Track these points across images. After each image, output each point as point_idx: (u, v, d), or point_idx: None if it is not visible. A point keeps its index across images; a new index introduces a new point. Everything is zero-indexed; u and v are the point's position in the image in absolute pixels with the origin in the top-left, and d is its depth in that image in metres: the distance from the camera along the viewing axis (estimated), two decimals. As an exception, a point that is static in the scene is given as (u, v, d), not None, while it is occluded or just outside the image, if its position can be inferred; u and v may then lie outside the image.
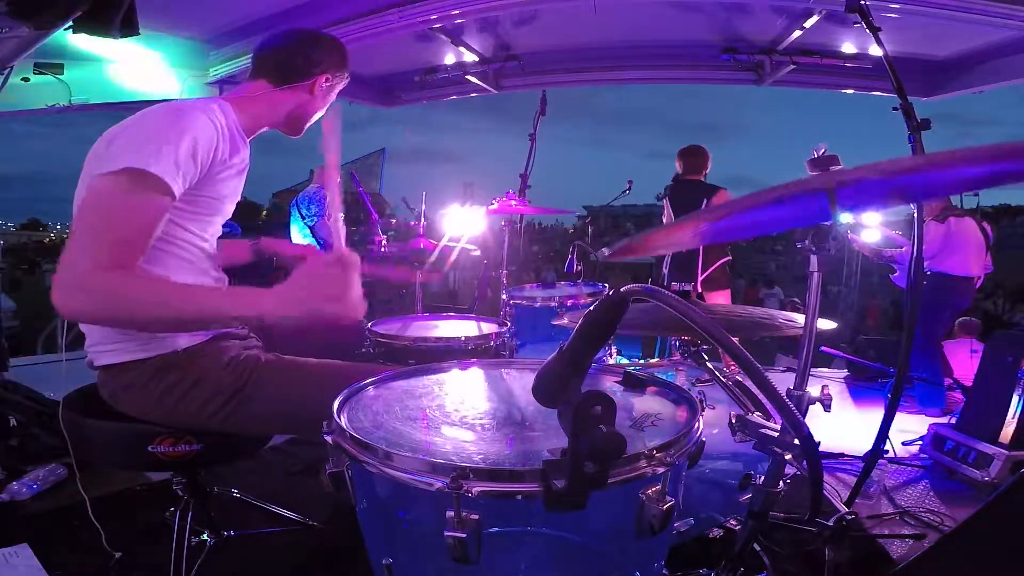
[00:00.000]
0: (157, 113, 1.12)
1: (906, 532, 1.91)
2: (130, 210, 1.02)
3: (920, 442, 2.66)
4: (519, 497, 0.68)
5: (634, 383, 1.02)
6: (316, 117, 1.41)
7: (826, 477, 2.30)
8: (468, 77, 4.32)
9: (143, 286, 1.00)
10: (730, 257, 3.86)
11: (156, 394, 1.17)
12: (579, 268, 3.20)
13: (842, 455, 2.47)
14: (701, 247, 3.69)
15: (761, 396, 1.27)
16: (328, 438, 0.81)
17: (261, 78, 1.32)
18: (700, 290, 3.75)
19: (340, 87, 1.41)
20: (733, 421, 1.04)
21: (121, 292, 0.96)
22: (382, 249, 4.14)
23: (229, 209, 1.29)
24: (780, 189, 0.77)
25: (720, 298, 3.82)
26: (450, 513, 0.66)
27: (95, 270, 0.95)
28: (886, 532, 1.93)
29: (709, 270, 3.75)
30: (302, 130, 1.40)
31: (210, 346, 1.22)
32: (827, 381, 1.85)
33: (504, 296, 2.50)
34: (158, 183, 1.03)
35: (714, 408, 1.42)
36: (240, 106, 1.26)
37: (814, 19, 3.27)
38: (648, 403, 0.97)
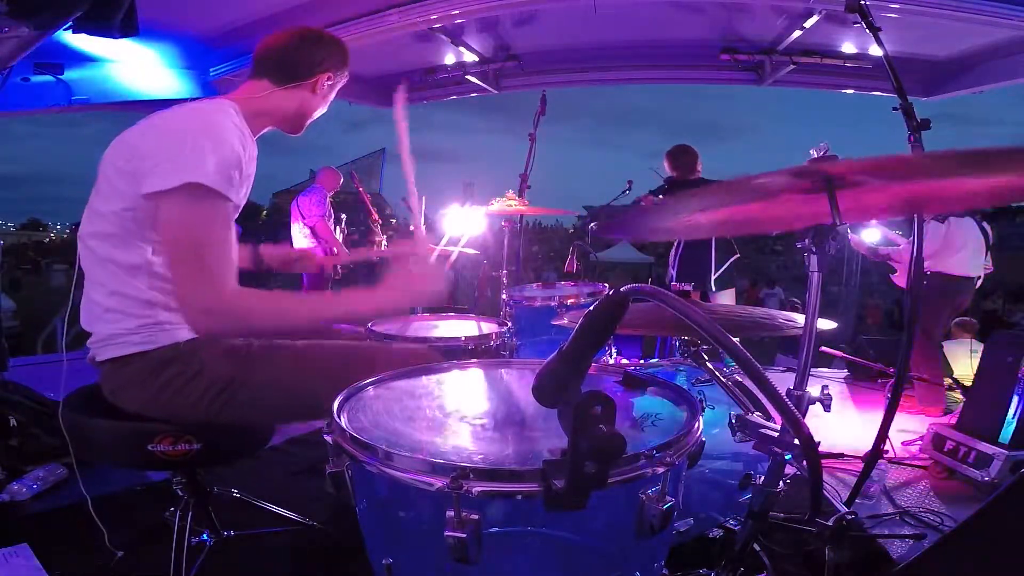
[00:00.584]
0: (189, 119, 1.14)
1: (906, 532, 1.91)
2: (213, 227, 1.09)
3: (920, 442, 2.66)
4: (519, 497, 0.68)
5: (634, 383, 1.02)
6: (316, 115, 1.41)
7: (826, 477, 2.30)
8: (468, 77, 4.32)
9: (262, 302, 1.12)
10: (739, 255, 3.82)
11: (156, 387, 1.18)
12: (579, 268, 3.19)
13: (842, 455, 2.47)
14: (713, 246, 3.67)
15: (761, 396, 1.27)
16: (328, 438, 0.81)
17: (263, 78, 1.32)
18: (714, 288, 3.71)
19: (341, 85, 1.42)
20: (733, 421, 1.04)
21: (245, 310, 1.10)
22: (382, 249, 4.15)
23: (238, 209, 1.30)
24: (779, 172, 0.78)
25: (727, 297, 3.80)
26: (450, 513, 0.66)
27: (221, 295, 1.07)
28: (886, 532, 1.92)
29: (722, 269, 3.72)
30: (303, 128, 1.41)
31: (209, 338, 1.23)
32: (827, 381, 1.85)
33: (504, 296, 2.50)
34: (219, 195, 1.08)
35: (714, 408, 1.42)
36: (244, 106, 1.27)
37: (814, 19, 3.27)
38: (648, 403, 0.97)
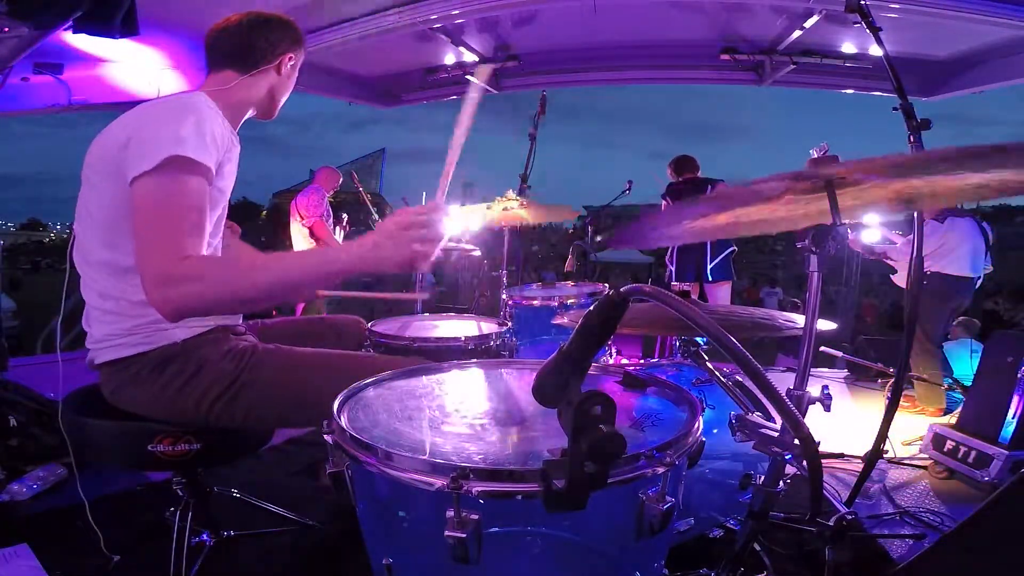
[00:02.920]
0: (166, 106, 1.14)
1: (906, 532, 1.91)
2: (185, 196, 1.05)
3: (920, 442, 2.66)
4: (519, 497, 0.68)
5: (634, 383, 1.02)
6: (284, 97, 1.41)
7: (826, 477, 2.30)
8: (468, 77, 4.33)
9: (223, 269, 1.04)
10: (735, 248, 3.97)
11: (157, 387, 1.18)
12: (578, 268, 3.19)
13: (842, 455, 2.47)
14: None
15: (761, 396, 1.27)
16: (328, 438, 0.81)
17: (226, 68, 1.30)
18: (710, 278, 3.88)
19: (300, 63, 1.41)
20: (733, 421, 1.04)
21: (203, 276, 1.00)
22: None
23: (225, 200, 1.30)
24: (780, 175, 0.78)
25: (723, 289, 3.96)
26: (450, 513, 0.66)
27: (180, 261, 0.99)
28: (886, 532, 1.92)
29: (717, 259, 3.89)
30: (275, 112, 1.41)
31: (209, 337, 1.24)
32: (827, 381, 1.85)
33: (504, 296, 2.50)
34: (198, 167, 1.06)
35: (714, 408, 1.42)
36: (216, 98, 1.26)
37: (814, 19, 3.28)
38: (648, 403, 0.97)
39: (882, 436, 2.04)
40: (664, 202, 4.16)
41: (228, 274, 1.02)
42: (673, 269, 4.05)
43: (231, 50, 1.30)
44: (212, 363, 1.20)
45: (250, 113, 1.37)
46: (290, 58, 1.35)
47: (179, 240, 1.01)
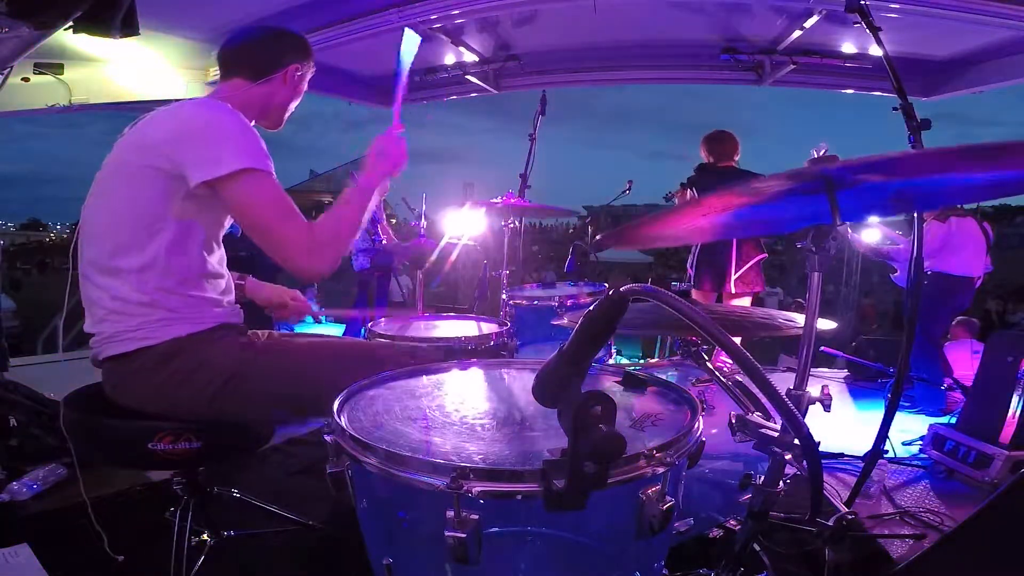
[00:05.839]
0: (212, 114, 1.20)
1: (906, 532, 1.91)
2: (277, 185, 1.22)
3: (920, 442, 2.66)
4: (519, 497, 0.68)
5: (634, 383, 1.02)
6: (292, 107, 1.46)
7: (826, 477, 2.30)
8: (468, 77, 4.32)
9: (331, 220, 1.26)
10: (765, 254, 3.50)
11: (158, 381, 1.19)
12: (579, 268, 3.19)
13: (842, 455, 2.47)
14: (735, 243, 3.38)
15: (761, 396, 1.27)
16: (328, 438, 0.81)
17: (235, 77, 1.37)
18: (733, 291, 3.42)
19: (309, 76, 1.47)
20: (733, 421, 1.04)
21: (330, 233, 1.23)
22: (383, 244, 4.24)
23: None
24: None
25: (746, 301, 3.48)
26: (450, 513, 0.66)
27: (311, 230, 1.20)
28: (886, 532, 1.92)
29: (743, 268, 3.41)
30: (282, 121, 1.46)
31: (214, 335, 1.25)
32: (827, 381, 1.85)
33: (504, 296, 2.50)
34: (269, 172, 1.20)
35: (714, 408, 1.42)
36: (230, 105, 1.28)
37: (814, 19, 3.27)
38: (648, 403, 0.97)
39: (882, 436, 2.04)
40: (686, 192, 3.60)
41: (338, 223, 1.26)
42: (692, 274, 3.56)
43: (239, 60, 1.38)
44: (214, 358, 1.22)
45: (256, 121, 1.40)
46: (296, 68, 1.41)
47: (299, 218, 1.20)
